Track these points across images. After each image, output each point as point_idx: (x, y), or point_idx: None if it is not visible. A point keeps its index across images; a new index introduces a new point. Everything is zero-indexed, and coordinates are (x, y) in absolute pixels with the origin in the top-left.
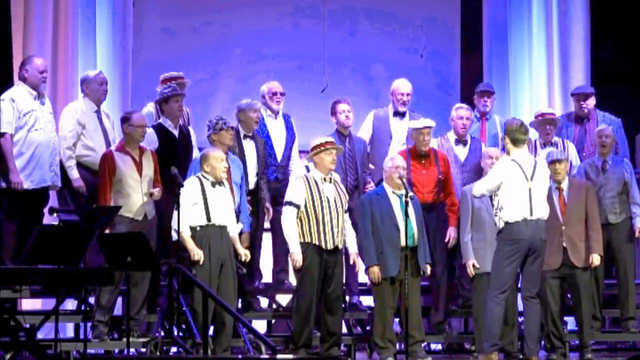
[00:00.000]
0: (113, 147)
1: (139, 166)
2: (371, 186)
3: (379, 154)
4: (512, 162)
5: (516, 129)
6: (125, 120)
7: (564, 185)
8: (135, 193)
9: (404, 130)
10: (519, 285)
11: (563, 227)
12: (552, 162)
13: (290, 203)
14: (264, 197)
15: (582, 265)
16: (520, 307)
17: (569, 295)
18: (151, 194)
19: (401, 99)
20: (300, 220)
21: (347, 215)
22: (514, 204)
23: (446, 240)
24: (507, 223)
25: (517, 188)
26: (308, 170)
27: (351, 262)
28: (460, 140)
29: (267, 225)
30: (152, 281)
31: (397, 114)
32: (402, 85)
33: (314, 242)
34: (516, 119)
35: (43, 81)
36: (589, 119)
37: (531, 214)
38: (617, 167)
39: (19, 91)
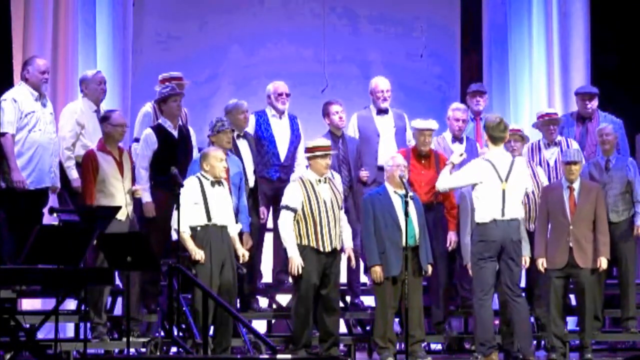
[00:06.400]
0: (94, 147)
1: (120, 166)
2: (365, 174)
3: (369, 153)
4: (485, 162)
5: (494, 126)
6: (104, 119)
7: (576, 185)
8: (119, 193)
9: (390, 127)
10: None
11: (570, 227)
12: (568, 163)
13: (286, 207)
14: (260, 199)
15: (587, 266)
16: None
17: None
18: (134, 192)
19: (382, 96)
20: (298, 223)
21: (342, 212)
22: (485, 205)
23: (447, 245)
24: (477, 224)
25: (489, 189)
26: None
27: (345, 256)
28: (457, 138)
29: (268, 225)
30: (151, 281)
31: (380, 111)
32: (381, 83)
33: (311, 244)
34: (495, 116)
35: (45, 82)
36: (591, 118)
37: (502, 215)
38: (621, 166)
39: (21, 91)
